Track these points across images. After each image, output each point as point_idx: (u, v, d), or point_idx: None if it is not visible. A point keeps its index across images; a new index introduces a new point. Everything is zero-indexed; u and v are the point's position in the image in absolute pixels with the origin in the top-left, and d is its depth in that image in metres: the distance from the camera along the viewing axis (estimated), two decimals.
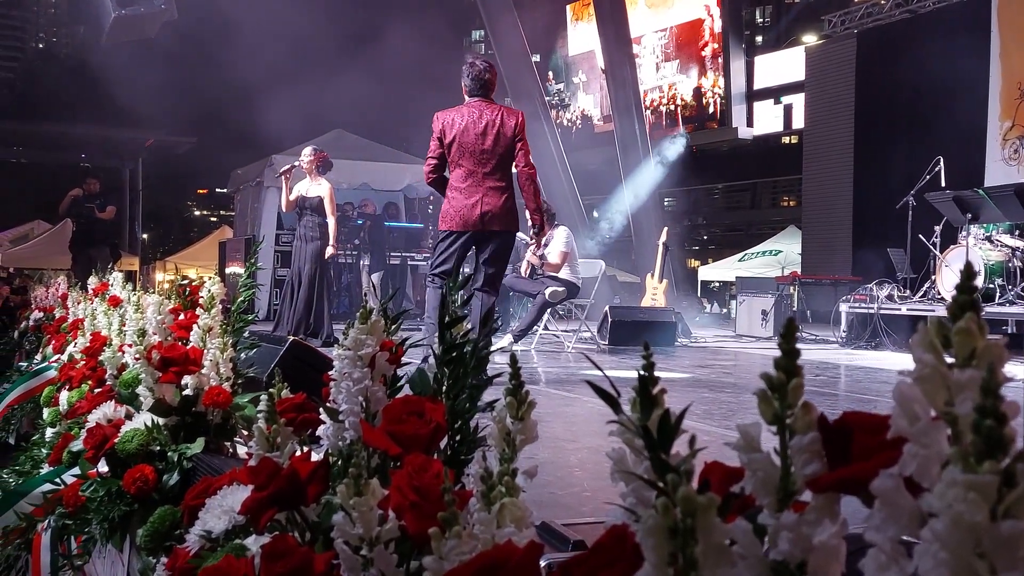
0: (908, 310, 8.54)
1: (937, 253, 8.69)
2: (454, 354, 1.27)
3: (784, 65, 17.82)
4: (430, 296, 5.23)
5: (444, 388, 1.27)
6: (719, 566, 0.55)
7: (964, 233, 8.41)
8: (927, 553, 0.47)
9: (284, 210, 8.20)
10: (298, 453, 1.40)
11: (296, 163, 7.78)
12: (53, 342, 5.71)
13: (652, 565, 0.55)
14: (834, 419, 0.62)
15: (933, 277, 8.74)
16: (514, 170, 5.29)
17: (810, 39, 17.81)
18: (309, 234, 7.70)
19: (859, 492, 0.57)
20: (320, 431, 1.43)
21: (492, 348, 1.31)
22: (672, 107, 22.54)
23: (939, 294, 8.51)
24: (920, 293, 8.90)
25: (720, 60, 20.60)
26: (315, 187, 7.67)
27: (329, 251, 7.68)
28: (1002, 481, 0.47)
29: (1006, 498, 0.47)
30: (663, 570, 0.55)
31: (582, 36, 23.27)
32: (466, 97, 5.33)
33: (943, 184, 9.16)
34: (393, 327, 1.45)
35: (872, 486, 0.53)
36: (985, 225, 8.57)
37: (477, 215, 5.10)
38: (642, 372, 0.70)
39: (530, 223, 5.56)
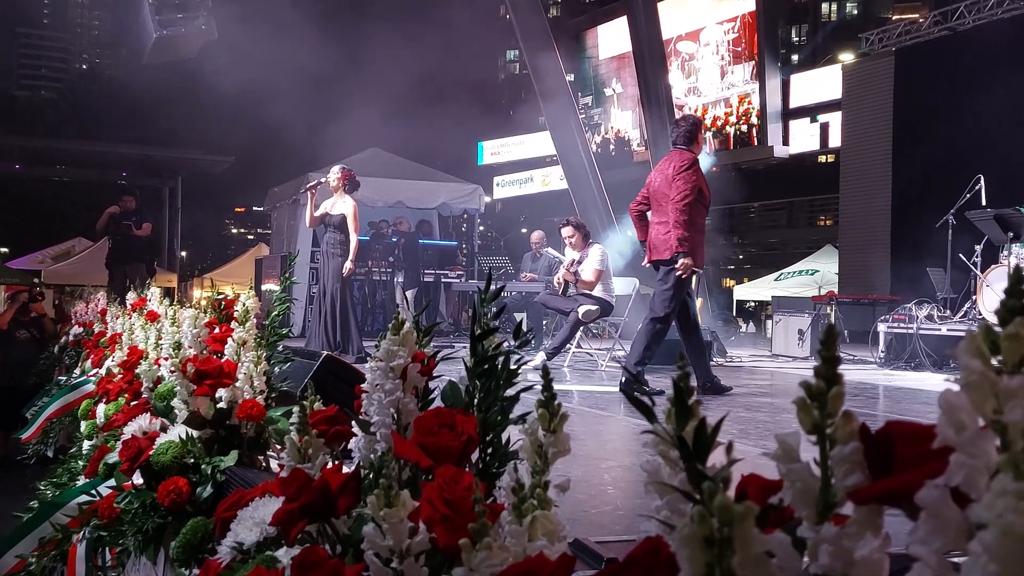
0: (948, 330, 8.40)
1: (978, 273, 8.53)
2: (486, 367, 1.27)
3: (821, 83, 17.50)
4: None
5: (476, 401, 1.26)
6: None
7: (1006, 252, 8.26)
8: (976, 565, 0.45)
9: (307, 225, 8.32)
10: (330, 465, 1.39)
11: (322, 180, 7.88)
12: (92, 356, 5.79)
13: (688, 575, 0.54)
14: (876, 429, 0.60)
15: (974, 297, 8.58)
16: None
17: (847, 57, 17.62)
18: (331, 250, 7.80)
19: (903, 504, 0.55)
20: (352, 444, 1.42)
21: (524, 365, 1.30)
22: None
23: (980, 314, 8.35)
24: (960, 313, 8.74)
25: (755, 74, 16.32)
26: (340, 204, 7.77)
27: (347, 267, 7.77)
28: None
29: None
30: None
31: (615, 32, 18.32)
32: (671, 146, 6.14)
33: (984, 202, 9.01)
34: (425, 339, 1.44)
35: (917, 497, 0.51)
36: None
37: (647, 248, 6.03)
38: (677, 381, 0.68)
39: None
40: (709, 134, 16.66)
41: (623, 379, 5.80)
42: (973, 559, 0.46)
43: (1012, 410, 0.48)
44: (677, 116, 16.70)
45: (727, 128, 16.89)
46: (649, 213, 6.17)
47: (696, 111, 17.00)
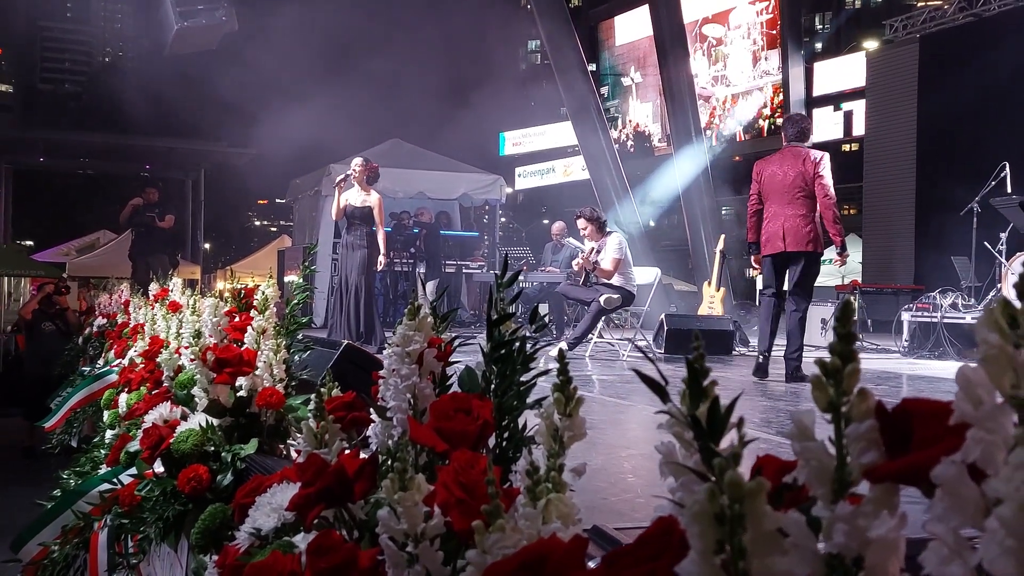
0: (973, 319, 8.30)
1: (1003, 261, 8.44)
2: (502, 351, 1.26)
3: (844, 71, 17.27)
4: (762, 306, 6.50)
5: (492, 386, 1.25)
6: (769, 555, 0.53)
7: None
8: (993, 540, 0.44)
9: (333, 218, 8.41)
10: (347, 451, 1.39)
11: (348, 173, 7.96)
12: (115, 347, 5.84)
13: (698, 553, 0.53)
14: (893, 407, 0.59)
15: (999, 285, 8.49)
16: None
17: (871, 44, 17.40)
18: (357, 242, 7.85)
19: (919, 482, 0.54)
20: (370, 430, 1.43)
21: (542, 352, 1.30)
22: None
23: None
24: (985, 302, 8.65)
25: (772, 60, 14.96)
26: (365, 197, 7.84)
27: (381, 260, 7.83)
28: None
29: None
30: (709, 559, 0.53)
31: (634, 19, 17.07)
32: (784, 143, 6.38)
33: (1009, 190, 8.90)
34: (442, 325, 1.44)
35: (933, 474, 0.50)
36: None
37: (780, 240, 6.11)
38: (692, 362, 0.68)
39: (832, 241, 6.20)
40: (740, 127, 15.88)
41: (790, 371, 6.02)
42: (990, 535, 0.45)
43: None
44: (700, 106, 16.59)
45: (760, 122, 15.48)
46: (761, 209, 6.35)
47: (724, 102, 16.28)
